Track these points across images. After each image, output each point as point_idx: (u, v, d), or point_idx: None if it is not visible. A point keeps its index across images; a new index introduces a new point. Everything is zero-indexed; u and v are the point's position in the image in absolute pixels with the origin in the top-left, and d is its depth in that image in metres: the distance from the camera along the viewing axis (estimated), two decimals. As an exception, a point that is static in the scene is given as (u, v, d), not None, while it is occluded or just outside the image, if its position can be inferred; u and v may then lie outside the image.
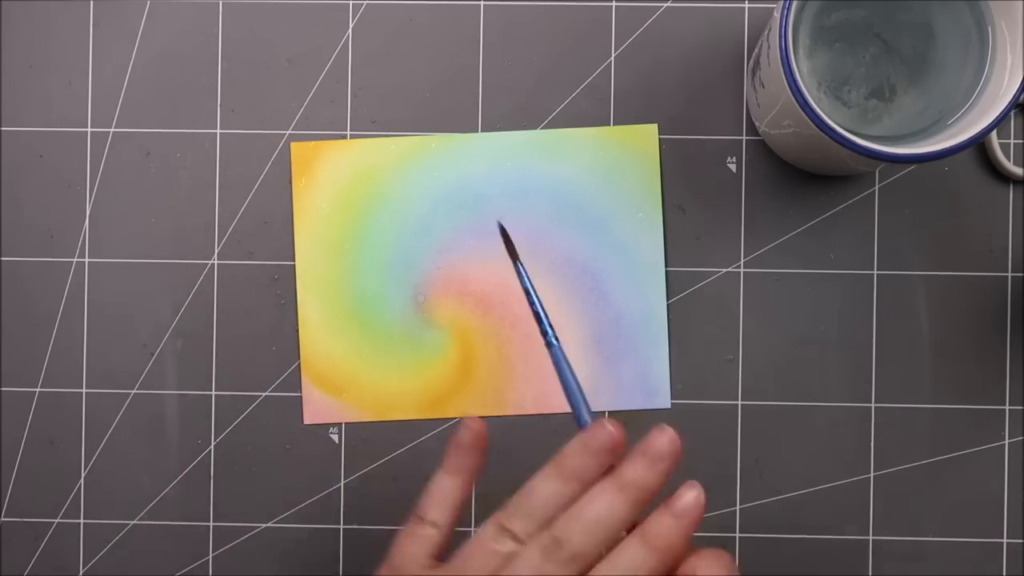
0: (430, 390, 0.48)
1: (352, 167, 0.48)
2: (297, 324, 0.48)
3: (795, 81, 0.38)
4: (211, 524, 0.48)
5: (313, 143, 0.48)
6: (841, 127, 0.38)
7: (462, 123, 0.48)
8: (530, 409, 0.48)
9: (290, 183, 0.48)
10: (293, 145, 0.48)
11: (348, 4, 0.47)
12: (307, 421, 0.48)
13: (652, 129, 0.47)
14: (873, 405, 0.47)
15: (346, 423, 0.48)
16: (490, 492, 0.47)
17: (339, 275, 0.48)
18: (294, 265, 0.48)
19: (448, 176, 0.48)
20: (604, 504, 0.37)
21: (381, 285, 0.48)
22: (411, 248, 0.48)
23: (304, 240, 0.48)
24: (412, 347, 0.47)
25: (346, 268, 0.48)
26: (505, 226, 0.45)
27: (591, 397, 0.47)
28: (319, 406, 0.48)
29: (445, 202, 0.48)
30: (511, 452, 0.47)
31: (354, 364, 0.48)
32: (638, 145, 0.47)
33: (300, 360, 0.48)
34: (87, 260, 0.48)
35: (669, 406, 0.47)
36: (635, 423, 0.47)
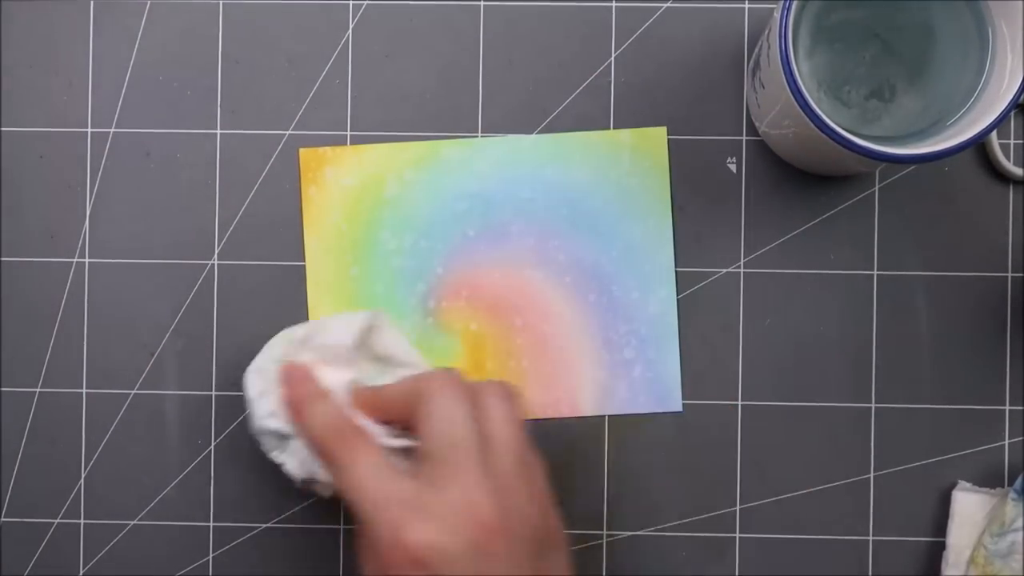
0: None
1: (361, 173, 0.48)
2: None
3: (795, 81, 0.38)
4: (211, 524, 0.48)
5: (321, 149, 0.48)
6: (841, 127, 0.38)
7: (462, 123, 0.47)
8: (540, 414, 0.47)
9: (296, 186, 0.48)
10: (302, 151, 0.47)
11: (348, 4, 0.47)
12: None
13: (661, 132, 0.47)
14: (873, 405, 0.47)
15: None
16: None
17: (350, 282, 0.48)
18: (296, 266, 0.48)
19: (457, 181, 0.48)
20: None
21: (391, 291, 0.48)
22: (421, 254, 0.48)
23: (314, 246, 0.48)
24: (422, 353, 0.47)
25: (356, 275, 0.48)
26: (514, 231, 0.45)
27: (602, 402, 0.47)
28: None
29: (454, 207, 0.48)
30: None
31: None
32: (647, 148, 0.47)
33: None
34: (87, 260, 0.48)
35: (680, 409, 0.47)
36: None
